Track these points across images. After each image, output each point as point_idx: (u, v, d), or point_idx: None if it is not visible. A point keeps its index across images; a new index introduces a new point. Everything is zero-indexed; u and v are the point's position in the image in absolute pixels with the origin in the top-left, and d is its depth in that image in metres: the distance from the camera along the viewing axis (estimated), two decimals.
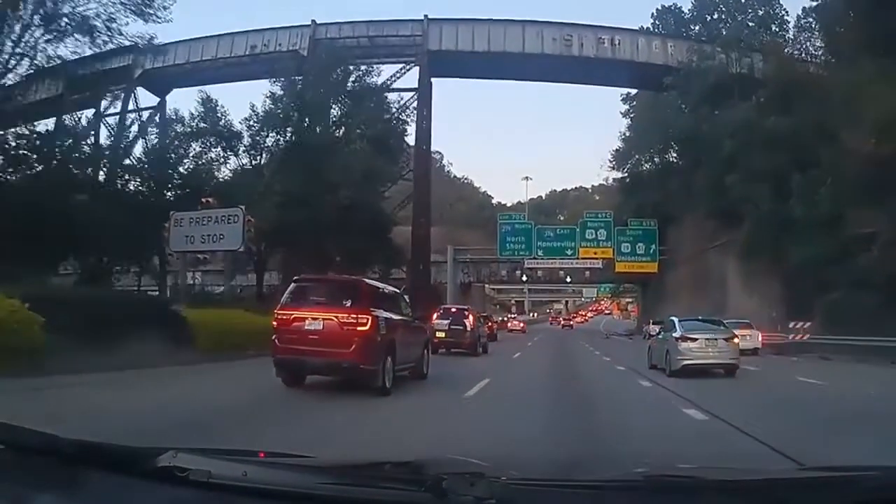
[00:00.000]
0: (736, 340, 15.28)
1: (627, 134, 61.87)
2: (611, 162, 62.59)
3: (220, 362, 14.59)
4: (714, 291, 41.42)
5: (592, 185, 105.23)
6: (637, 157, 60.51)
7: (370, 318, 9.46)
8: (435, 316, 21.88)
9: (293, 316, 9.59)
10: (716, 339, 14.84)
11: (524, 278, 54.81)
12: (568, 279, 55.02)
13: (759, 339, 26.54)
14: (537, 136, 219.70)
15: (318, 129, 34.23)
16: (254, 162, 34.04)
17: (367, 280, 11.88)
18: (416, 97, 47.32)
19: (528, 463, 3.00)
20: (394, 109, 42.17)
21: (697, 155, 42.44)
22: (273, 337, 9.71)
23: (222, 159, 33.08)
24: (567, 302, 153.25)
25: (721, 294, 39.90)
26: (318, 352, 9.29)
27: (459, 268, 61.10)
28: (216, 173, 32.37)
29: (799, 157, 30.44)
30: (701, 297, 43.82)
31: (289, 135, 33.53)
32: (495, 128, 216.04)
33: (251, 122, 33.57)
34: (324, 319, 9.45)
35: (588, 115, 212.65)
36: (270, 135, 33.82)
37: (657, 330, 20.43)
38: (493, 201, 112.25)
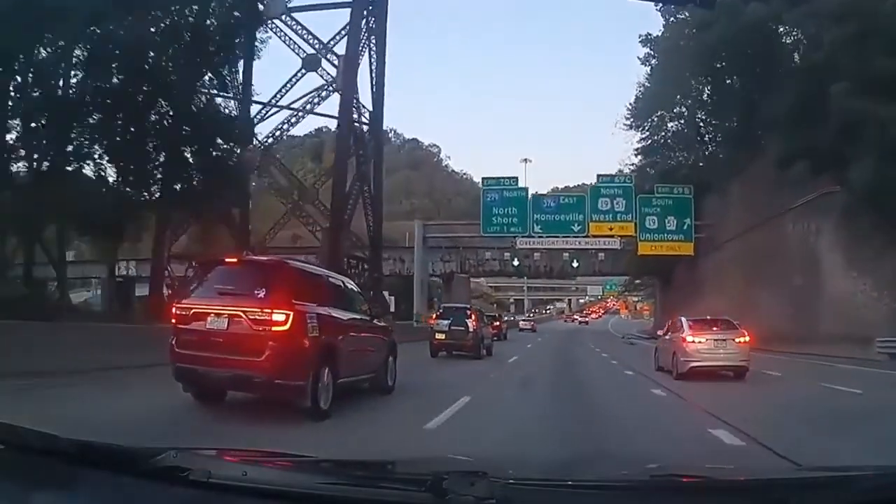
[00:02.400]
0: (746, 340, 14.20)
1: (646, 86, 48.67)
2: (627, 120, 49.36)
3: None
4: (790, 276, 28.39)
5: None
6: (660, 113, 47.61)
7: (291, 313, 7.08)
8: (434, 316, 21.65)
9: (193, 311, 7.35)
10: (724, 340, 14.08)
11: (515, 262, 41.19)
12: (575, 264, 41.21)
13: None
14: (539, 126, 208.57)
15: None
16: None
17: (291, 262, 8.50)
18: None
19: (528, 463, 3.08)
20: None
21: (764, 72, 29.42)
22: (171, 338, 7.46)
23: None
24: (570, 300, 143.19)
25: (811, 280, 26.78)
26: (221, 360, 7.05)
27: (436, 255, 48.17)
28: None
29: None
30: (765, 286, 30.79)
31: None
32: (495, 121, 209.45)
33: None
34: (229, 316, 7.12)
35: (592, 113, 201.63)
36: None
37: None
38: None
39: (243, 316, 7.03)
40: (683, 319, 15.28)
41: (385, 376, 9.87)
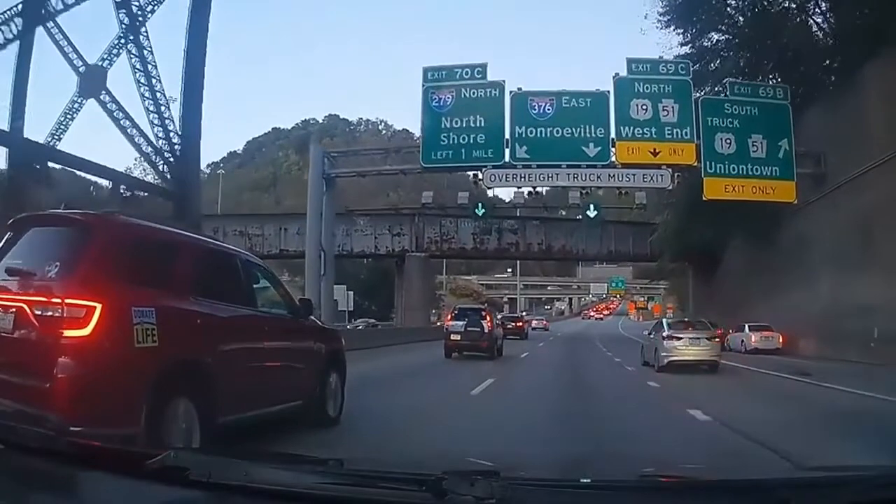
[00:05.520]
0: (717, 339, 16.74)
1: None
2: (660, 18, 31.58)
3: None
4: None
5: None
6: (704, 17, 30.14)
7: (99, 305, 4.14)
8: (449, 317, 21.16)
9: None
10: (698, 339, 15.83)
11: (480, 209, 22.77)
12: (590, 212, 22.36)
13: None
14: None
15: None
16: None
17: (122, 216, 5.18)
18: None
19: (528, 463, 3.07)
20: None
21: None
22: None
23: None
24: (571, 300, 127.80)
25: None
26: (7, 385, 4.14)
27: (363, 222, 31.23)
28: None
29: None
30: None
31: None
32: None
33: None
34: (16, 310, 4.24)
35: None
36: None
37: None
38: (490, 194, 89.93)
39: (27, 310, 4.17)
40: (664, 321, 19.40)
41: (322, 402, 6.72)
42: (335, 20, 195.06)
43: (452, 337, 19.30)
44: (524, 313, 71.46)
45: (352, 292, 38.30)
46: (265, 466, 1.88)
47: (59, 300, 4.09)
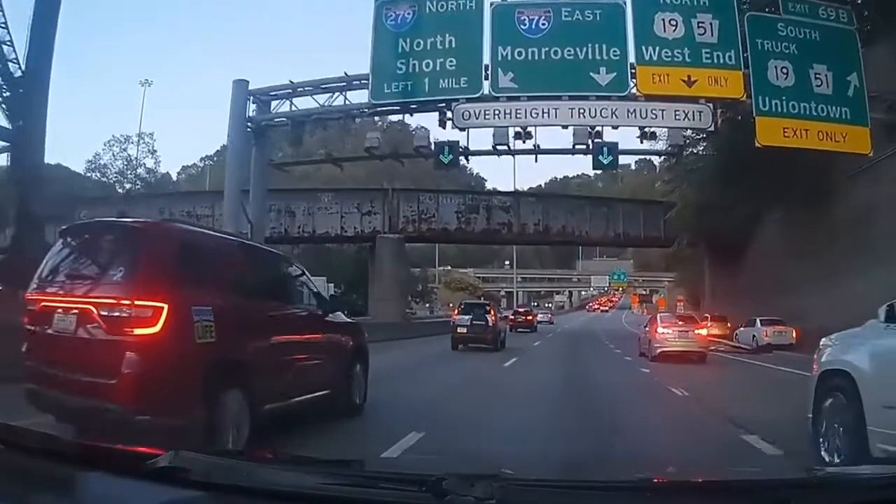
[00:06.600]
0: (704, 333, 18.85)
1: None
2: None
3: None
4: None
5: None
6: None
7: (165, 306, 4.59)
8: (456, 312, 22.71)
9: (42, 304, 5.06)
10: (686, 331, 17.52)
11: (446, 156, 17.20)
12: (603, 156, 16.72)
13: None
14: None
15: None
16: None
17: (179, 224, 6.23)
18: None
19: (528, 463, 3.07)
20: None
21: None
22: (23, 346, 5.16)
23: None
24: (571, 293, 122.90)
25: None
26: (71, 382, 4.67)
27: (328, 199, 25.55)
28: None
29: None
30: None
31: None
32: None
33: None
34: (79, 312, 4.74)
35: None
36: None
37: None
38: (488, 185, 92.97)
39: (93, 312, 4.64)
40: (658, 316, 19.94)
41: (349, 392, 7.29)
42: None
43: (459, 330, 20.64)
44: (535, 304, 73.82)
45: (331, 284, 32.79)
46: (265, 467, 1.88)
47: (127, 301, 4.49)
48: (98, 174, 55.84)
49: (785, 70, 16.39)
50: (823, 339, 5.39)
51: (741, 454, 5.80)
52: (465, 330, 20.40)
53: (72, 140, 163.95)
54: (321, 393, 6.59)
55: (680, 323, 18.28)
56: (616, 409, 8.60)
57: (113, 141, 51.72)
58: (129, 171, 53.33)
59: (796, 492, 1.65)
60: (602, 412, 8.32)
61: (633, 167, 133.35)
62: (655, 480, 1.92)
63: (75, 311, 4.69)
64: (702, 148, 29.07)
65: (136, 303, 4.48)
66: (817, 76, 16.68)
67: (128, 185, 50.90)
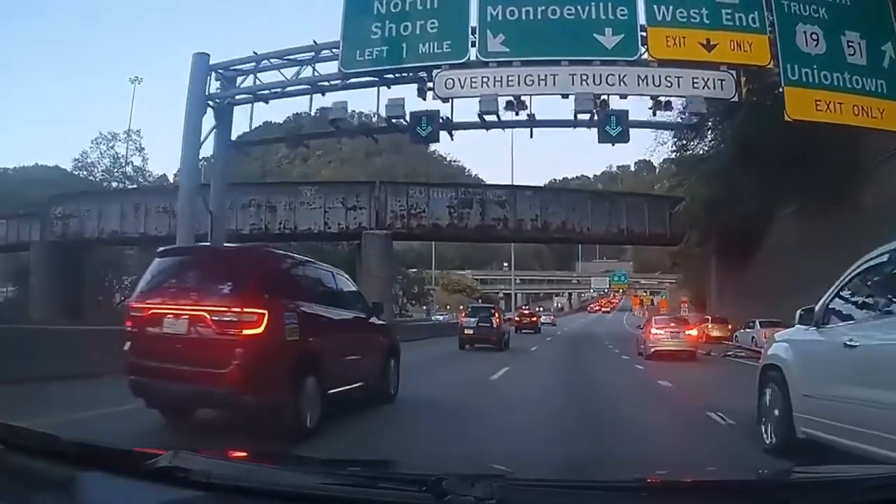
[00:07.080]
0: (694, 333, 20.47)
1: None
2: None
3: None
4: None
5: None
6: None
7: (266, 312, 5.98)
8: (463, 315, 25.13)
9: (150, 311, 6.28)
10: (678, 332, 19.44)
11: (423, 129, 15.17)
12: (611, 127, 15.14)
13: None
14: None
15: None
16: None
17: (270, 250, 7.98)
18: None
19: (528, 463, 3.08)
20: None
21: None
22: (126, 345, 6.36)
23: None
24: (570, 295, 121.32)
25: None
26: (179, 372, 5.94)
27: (310, 192, 23.56)
28: None
29: None
30: None
31: None
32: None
33: None
34: (190, 317, 6.06)
35: None
36: None
37: None
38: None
39: (206, 317, 6.04)
40: (653, 318, 22.41)
41: (386, 383, 8.81)
42: None
43: (466, 331, 22.43)
44: (540, 309, 74.62)
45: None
46: (265, 467, 1.89)
47: (238, 309, 5.84)
48: (85, 172, 53.93)
49: (815, 36, 14.34)
50: (770, 336, 6.83)
51: (741, 455, 6.00)
52: (471, 331, 22.23)
53: (63, 139, 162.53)
54: (366, 383, 7.96)
55: (672, 325, 20.25)
56: (609, 394, 10.83)
57: (100, 139, 49.79)
58: (115, 170, 51.43)
59: (796, 492, 1.66)
60: (598, 393, 10.87)
61: (632, 168, 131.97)
62: (655, 480, 1.93)
63: (186, 316, 5.92)
64: (711, 137, 27.21)
65: (245, 310, 5.79)
66: (850, 44, 14.60)
67: (115, 184, 48.99)
